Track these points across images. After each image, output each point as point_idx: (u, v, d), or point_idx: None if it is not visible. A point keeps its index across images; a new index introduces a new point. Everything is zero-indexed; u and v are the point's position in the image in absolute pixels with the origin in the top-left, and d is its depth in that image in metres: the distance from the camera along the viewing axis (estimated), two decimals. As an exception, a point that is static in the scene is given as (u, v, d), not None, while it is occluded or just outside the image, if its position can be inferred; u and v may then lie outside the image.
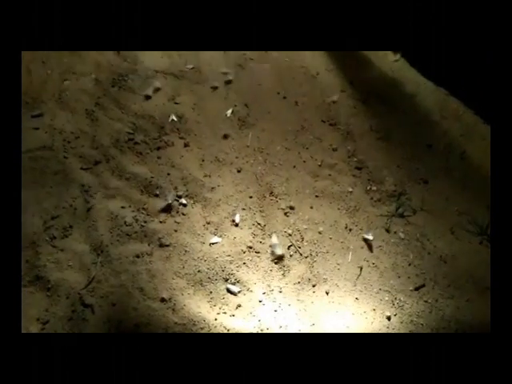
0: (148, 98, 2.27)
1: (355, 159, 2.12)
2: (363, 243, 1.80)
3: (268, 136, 2.19)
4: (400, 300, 1.63)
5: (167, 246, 1.71)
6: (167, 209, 1.82)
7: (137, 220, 1.77)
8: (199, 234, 1.76)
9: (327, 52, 2.70)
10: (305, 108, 2.35)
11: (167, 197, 1.85)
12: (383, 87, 2.51)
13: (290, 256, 1.74)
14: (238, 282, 1.64)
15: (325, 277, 1.68)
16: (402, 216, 1.90)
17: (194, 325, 1.50)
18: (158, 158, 2.02)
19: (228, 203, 1.88)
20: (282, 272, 1.69)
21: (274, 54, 2.65)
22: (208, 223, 1.81)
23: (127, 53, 2.50)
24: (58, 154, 1.95)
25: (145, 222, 1.77)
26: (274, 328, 1.52)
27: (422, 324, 1.57)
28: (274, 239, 1.76)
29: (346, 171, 2.07)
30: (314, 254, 1.75)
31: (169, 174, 1.95)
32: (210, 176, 1.98)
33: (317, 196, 1.95)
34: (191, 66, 2.50)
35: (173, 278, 1.62)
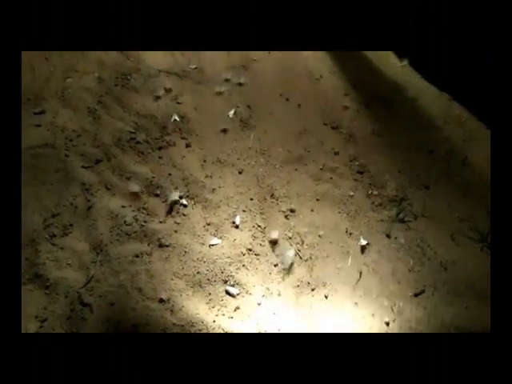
0: (150, 97, 2.27)
1: (357, 163, 2.12)
2: (363, 247, 1.80)
3: (270, 138, 2.18)
4: (399, 306, 1.63)
5: (167, 246, 1.70)
6: (167, 209, 1.82)
7: (137, 220, 1.76)
8: (199, 235, 1.76)
9: (331, 55, 2.70)
10: (307, 110, 2.35)
11: (168, 197, 1.85)
12: (386, 91, 2.51)
13: (290, 259, 1.73)
14: (237, 284, 1.63)
15: (324, 281, 1.68)
16: (402, 221, 1.89)
17: (192, 326, 1.49)
18: (160, 157, 2.01)
19: (229, 205, 1.88)
20: (281, 275, 1.68)
21: (277, 55, 2.65)
22: (208, 224, 1.80)
23: (130, 52, 2.50)
24: (59, 151, 1.94)
25: (145, 221, 1.77)
26: (272, 331, 1.51)
27: (420, 330, 1.56)
28: (286, 251, 1.74)
29: (347, 175, 2.06)
30: (313, 257, 1.75)
31: (170, 174, 1.95)
32: (211, 177, 1.98)
33: (318, 199, 1.95)
34: (194, 66, 2.49)
35: (172, 279, 1.61)
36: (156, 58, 2.49)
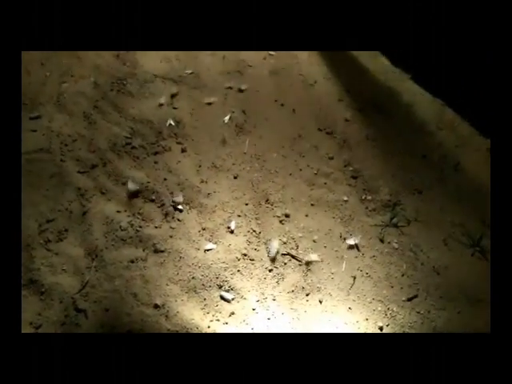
0: (146, 102, 2.28)
1: (351, 168, 2.14)
2: (357, 252, 1.81)
3: (265, 143, 2.20)
4: (393, 310, 1.64)
5: (162, 251, 1.71)
6: (163, 214, 1.83)
7: (132, 225, 1.77)
8: (194, 241, 1.77)
9: (325, 61, 2.72)
10: (302, 116, 2.37)
11: (163, 202, 1.86)
12: (380, 97, 2.53)
13: (285, 264, 1.74)
14: (231, 289, 1.64)
15: (318, 285, 1.69)
16: (396, 226, 1.91)
17: (187, 332, 1.50)
18: (155, 162, 2.02)
19: (224, 210, 1.89)
20: (276, 280, 1.69)
21: (273, 61, 2.67)
22: (203, 229, 1.81)
23: (126, 56, 2.51)
24: (54, 156, 1.95)
25: (140, 227, 1.77)
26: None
27: (413, 335, 1.58)
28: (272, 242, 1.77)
29: (341, 180, 2.08)
30: (308, 262, 1.76)
31: (165, 179, 1.96)
32: (206, 182, 1.99)
33: (312, 204, 1.97)
34: (190, 71, 2.51)
35: (167, 284, 1.62)
36: (152, 63, 2.50)
